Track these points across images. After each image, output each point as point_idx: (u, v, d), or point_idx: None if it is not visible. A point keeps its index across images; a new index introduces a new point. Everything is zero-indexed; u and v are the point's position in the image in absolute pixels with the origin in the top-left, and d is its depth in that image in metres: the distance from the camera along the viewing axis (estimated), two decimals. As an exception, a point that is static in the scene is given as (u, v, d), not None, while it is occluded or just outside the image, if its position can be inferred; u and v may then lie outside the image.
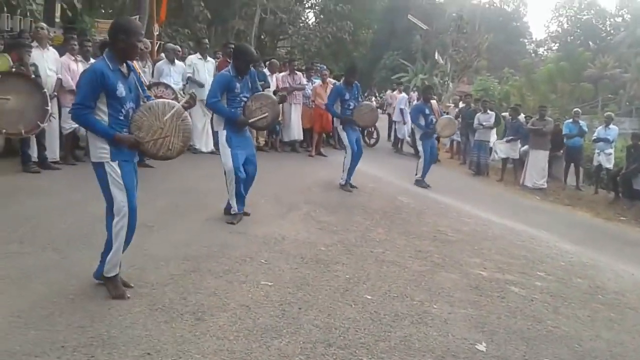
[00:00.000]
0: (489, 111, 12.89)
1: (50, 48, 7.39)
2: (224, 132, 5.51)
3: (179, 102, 6.78)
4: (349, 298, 4.15)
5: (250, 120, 5.53)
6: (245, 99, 5.56)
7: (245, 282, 4.18)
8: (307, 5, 28.85)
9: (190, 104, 3.86)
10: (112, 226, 3.61)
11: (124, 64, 3.58)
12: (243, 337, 3.34)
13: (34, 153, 6.93)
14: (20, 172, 6.76)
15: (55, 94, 7.07)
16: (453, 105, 16.40)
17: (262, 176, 8.07)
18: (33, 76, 5.99)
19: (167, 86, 7.60)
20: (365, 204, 7.36)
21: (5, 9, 8.67)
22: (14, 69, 6.01)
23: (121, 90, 3.48)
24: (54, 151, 7.29)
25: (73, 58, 7.54)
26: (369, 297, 4.23)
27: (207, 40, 10.24)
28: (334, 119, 8.52)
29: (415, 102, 13.98)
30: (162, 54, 9.83)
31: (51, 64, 7.17)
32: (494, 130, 13.23)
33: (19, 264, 4.00)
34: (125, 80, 3.55)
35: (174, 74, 8.78)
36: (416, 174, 9.51)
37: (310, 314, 3.79)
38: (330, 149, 12.24)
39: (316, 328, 3.59)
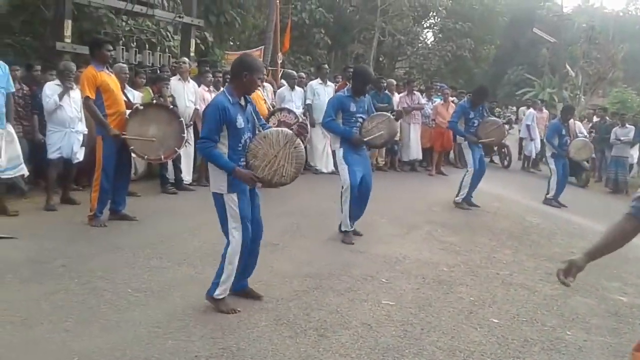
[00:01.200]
0: (627, 125, 11.91)
1: (191, 80, 8.05)
2: (341, 150, 5.63)
3: (300, 125, 7.11)
4: (473, 321, 4.01)
5: (365, 139, 5.60)
6: (361, 119, 5.65)
7: (366, 301, 4.19)
8: (425, 26, 28.70)
9: (300, 132, 3.99)
10: (226, 253, 3.77)
11: (242, 97, 3.77)
12: (365, 356, 3.34)
13: (171, 176, 7.54)
14: (159, 194, 7.37)
15: (191, 122, 7.68)
16: (586, 120, 15.34)
17: (382, 195, 8.11)
18: (171, 106, 6.52)
19: (289, 111, 7.92)
20: (490, 224, 7.09)
21: (147, 46, 9.56)
22: (154, 101, 6.61)
23: (240, 121, 3.67)
24: (189, 173, 7.89)
25: (207, 89, 8.13)
26: (496, 320, 4.06)
27: (326, 65, 10.54)
28: (457, 137, 8.35)
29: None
30: (282, 81, 10.29)
31: (191, 95, 7.83)
32: (637, 146, 12.19)
33: (159, 277, 4.34)
34: (244, 112, 3.75)
35: (295, 99, 9.14)
36: (547, 193, 9.01)
37: (432, 335, 3.71)
38: (451, 167, 11.97)
39: (439, 350, 3.50)
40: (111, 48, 5.71)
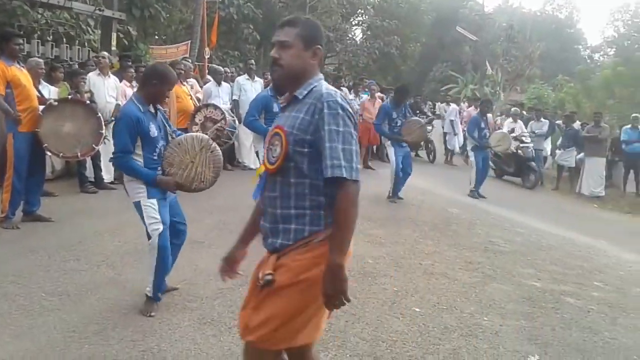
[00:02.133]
0: (542, 119, 12.58)
1: (111, 75, 7.76)
2: (261, 146, 5.64)
3: (227, 121, 7.00)
4: (396, 311, 4.11)
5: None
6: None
7: (292, 296, 4.20)
8: (354, 23, 29.02)
9: (217, 135, 3.98)
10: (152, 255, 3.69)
11: (151, 105, 3.69)
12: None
13: (90, 174, 7.25)
14: (78, 193, 7.08)
15: (112, 118, 7.39)
16: (503, 115, 16.05)
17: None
18: (88, 102, 6.27)
19: (215, 107, 7.76)
20: (414, 216, 7.29)
21: (64, 39, 9.14)
22: (70, 96, 6.33)
23: (154, 130, 3.60)
24: (109, 172, 7.61)
25: (129, 84, 7.87)
26: (418, 309, 4.18)
27: (253, 61, 10.47)
28: (383, 138, 8.58)
29: (464, 112, 13.86)
30: (208, 76, 10.15)
31: (111, 91, 7.54)
32: (549, 139, 12.88)
33: (76, 280, 4.17)
34: (155, 119, 3.68)
35: (222, 95, 9.02)
36: (470, 185, 9.38)
37: (357, 327, 3.78)
38: (379, 162, 12.20)
39: (363, 341, 3.57)
40: (21, 41, 5.40)
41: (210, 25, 15.35)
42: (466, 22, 32.23)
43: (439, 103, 19.92)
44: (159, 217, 3.61)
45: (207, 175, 3.71)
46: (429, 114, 15.16)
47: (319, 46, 2.18)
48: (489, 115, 10.69)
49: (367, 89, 12.13)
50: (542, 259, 5.88)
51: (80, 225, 5.62)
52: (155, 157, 3.65)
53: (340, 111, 2.05)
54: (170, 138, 3.80)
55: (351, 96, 11.55)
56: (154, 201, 3.62)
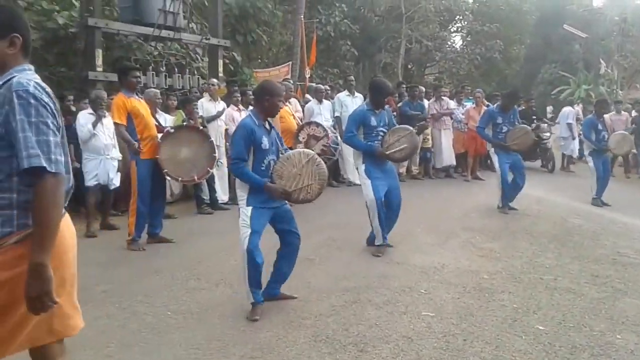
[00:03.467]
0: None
1: (221, 101, 8.15)
2: (363, 166, 5.57)
3: (329, 138, 7.09)
4: (518, 329, 3.89)
5: (387, 152, 5.53)
6: (382, 133, 5.60)
7: (405, 313, 4.12)
8: (452, 30, 28.45)
9: (325, 152, 4.21)
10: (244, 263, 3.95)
11: (266, 121, 4.03)
12: (407, 370, 3.27)
13: (206, 196, 7.62)
14: (195, 215, 7.46)
15: (224, 142, 7.76)
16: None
17: (417, 204, 8.04)
18: (201, 127, 6.60)
19: (317, 124, 7.94)
20: (530, 227, 6.91)
21: (176, 69, 9.73)
22: (184, 123, 6.70)
23: (265, 143, 3.94)
24: (224, 193, 7.96)
25: (236, 108, 8.22)
26: (541, 327, 3.92)
27: (352, 77, 10.54)
28: (487, 144, 8.17)
29: (579, 115, 13.04)
30: (307, 95, 10.35)
31: (222, 116, 7.92)
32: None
33: (197, 298, 4.37)
34: (269, 134, 4.00)
35: (324, 112, 9.15)
36: (592, 192, 8.74)
37: (476, 345, 3.61)
38: (489, 172, 11.73)
39: (483, 361, 3.41)
40: (138, 74, 5.83)
41: (309, 45, 15.70)
42: (574, 18, 30.39)
43: (550, 106, 18.91)
44: (249, 222, 3.88)
45: (314, 187, 4.02)
46: (545, 119, 14.38)
47: (17, 34, 2.09)
48: (606, 116, 9.93)
49: (470, 97, 11.77)
50: (681, 271, 5.32)
51: (199, 246, 5.89)
52: (264, 168, 3.97)
53: (32, 101, 1.96)
54: (280, 154, 4.09)
55: (453, 105, 11.24)
56: (250, 209, 3.92)
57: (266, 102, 3.98)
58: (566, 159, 13.52)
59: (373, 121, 5.54)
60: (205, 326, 3.86)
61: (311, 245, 5.88)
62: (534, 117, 13.29)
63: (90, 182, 6.38)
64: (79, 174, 6.63)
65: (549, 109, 22.00)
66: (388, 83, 5.84)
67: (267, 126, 4.04)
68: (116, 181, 6.52)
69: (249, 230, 3.87)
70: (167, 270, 5.02)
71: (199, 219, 7.25)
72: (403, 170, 10.54)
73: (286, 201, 4.13)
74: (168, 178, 5.94)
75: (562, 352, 3.55)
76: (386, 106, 5.84)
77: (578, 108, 14.98)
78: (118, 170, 6.57)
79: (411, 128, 5.82)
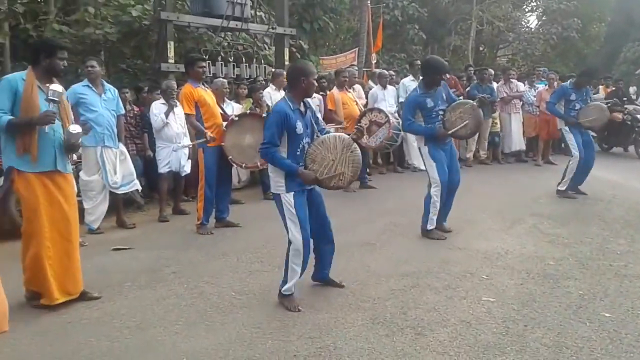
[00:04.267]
0: None
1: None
2: (426, 148, 5.52)
3: (391, 124, 7.07)
4: (582, 316, 3.79)
5: (450, 132, 5.45)
6: (442, 112, 5.51)
7: (465, 298, 4.10)
8: (527, 9, 27.29)
9: (358, 136, 4.10)
10: (288, 253, 3.95)
11: (302, 103, 3.95)
12: (464, 354, 3.28)
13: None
14: (261, 200, 7.66)
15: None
16: None
17: (483, 190, 7.91)
18: (264, 115, 6.76)
19: (380, 110, 7.90)
20: (603, 213, 6.63)
21: (243, 59, 9.97)
22: (248, 111, 6.89)
23: (300, 127, 3.84)
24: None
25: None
26: (607, 314, 3.80)
27: (418, 62, 10.37)
28: (559, 122, 7.85)
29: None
30: (369, 81, 10.31)
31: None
32: None
33: (260, 280, 4.53)
34: (303, 117, 3.92)
35: (388, 98, 9.11)
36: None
37: (537, 332, 3.55)
38: (562, 156, 11.29)
39: (544, 347, 3.35)
40: (204, 65, 6.04)
41: (376, 30, 15.59)
42: (660, -8, 28.40)
43: (633, 86, 17.81)
44: (294, 212, 3.87)
45: (347, 174, 3.91)
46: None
47: None
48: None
49: (543, 78, 11.33)
50: None
51: (264, 230, 6.06)
52: (299, 152, 3.90)
53: None
54: (315, 136, 4.03)
55: (525, 87, 10.87)
56: (291, 195, 3.88)
57: (303, 83, 3.87)
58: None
59: (429, 102, 5.47)
60: (267, 307, 4.00)
61: (373, 230, 5.95)
62: (625, 98, 12.64)
63: (162, 169, 6.69)
64: (152, 162, 7.01)
65: (632, 89, 20.76)
66: (441, 60, 5.67)
67: (303, 108, 3.95)
68: (187, 168, 6.81)
69: (298, 220, 3.87)
70: (232, 253, 5.22)
71: (265, 204, 7.42)
72: (470, 155, 10.36)
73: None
74: (234, 165, 6.12)
75: (627, 340, 3.44)
76: (442, 82, 5.66)
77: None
78: (189, 158, 6.85)
79: (471, 101, 5.72)
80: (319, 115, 8.08)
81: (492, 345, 3.37)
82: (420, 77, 8.92)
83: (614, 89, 12.88)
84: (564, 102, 7.33)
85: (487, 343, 3.40)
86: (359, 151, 3.96)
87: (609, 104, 9.96)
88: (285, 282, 3.99)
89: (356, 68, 11.50)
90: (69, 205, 4.04)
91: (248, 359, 3.24)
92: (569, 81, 8.31)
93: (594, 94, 12.38)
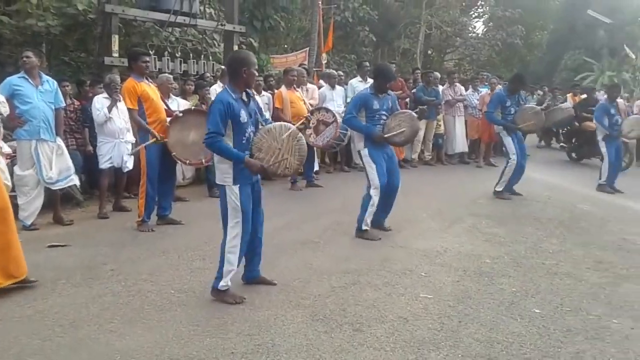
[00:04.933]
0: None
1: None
2: (366, 150, 5.61)
3: (338, 123, 7.13)
4: (514, 312, 3.93)
5: (386, 136, 5.55)
6: (384, 117, 5.63)
7: (404, 295, 4.19)
8: (473, 16, 28.07)
9: (305, 125, 4.14)
10: (224, 246, 3.94)
11: (244, 92, 3.94)
12: (400, 349, 3.34)
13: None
14: (206, 198, 7.58)
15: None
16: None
17: (425, 190, 8.08)
18: (210, 111, 6.70)
19: (327, 110, 7.99)
20: (539, 213, 6.90)
21: (191, 55, 9.83)
22: (193, 107, 6.79)
23: (244, 116, 3.84)
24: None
25: (255, 93, 8.27)
26: (538, 311, 3.96)
27: (367, 63, 10.51)
28: (497, 127, 8.16)
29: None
30: (321, 81, 10.40)
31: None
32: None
33: (201, 278, 4.47)
34: (247, 107, 3.92)
35: (336, 98, 9.19)
36: (599, 179, 8.67)
37: (470, 327, 3.67)
38: (502, 158, 11.65)
39: (476, 342, 3.46)
40: (147, 59, 5.92)
41: (327, 31, 15.68)
42: (599, 4, 29.72)
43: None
44: (239, 204, 3.87)
45: (292, 162, 3.95)
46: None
47: None
48: (620, 100, 9.81)
49: (486, 83, 11.68)
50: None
51: (207, 227, 5.98)
52: (244, 141, 3.89)
53: None
54: (260, 126, 4.05)
55: (468, 91, 11.18)
56: (237, 188, 3.87)
57: (244, 73, 3.85)
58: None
59: (375, 105, 5.58)
60: (207, 304, 3.96)
61: (317, 228, 5.99)
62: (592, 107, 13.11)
63: (104, 164, 6.52)
64: (93, 157, 6.82)
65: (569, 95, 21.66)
66: (391, 68, 5.88)
67: (245, 98, 3.94)
68: (129, 164, 6.65)
69: (241, 212, 3.87)
70: (174, 251, 5.14)
71: (210, 202, 7.35)
72: (415, 155, 10.56)
73: (260, 176, 4.09)
74: (177, 161, 6.03)
75: (555, 335, 3.58)
76: (390, 92, 5.85)
77: (601, 95, 14.71)
78: (131, 154, 6.70)
79: (411, 112, 5.86)
80: (267, 112, 8.18)
81: (427, 341, 3.46)
82: (369, 80, 9.10)
83: (584, 96, 13.18)
84: (500, 109, 7.59)
85: (423, 338, 3.48)
86: (304, 140, 4.01)
87: (577, 112, 10.42)
88: (220, 277, 3.97)
89: (306, 67, 11.51)
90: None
91: (184, 356, 3.20)
92: (502, 88, 8.64)
93: (561, 102, 12.95)
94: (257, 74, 4.07)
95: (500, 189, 7.67)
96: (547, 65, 33.43)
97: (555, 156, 13.01)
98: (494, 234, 5.88)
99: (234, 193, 3.87)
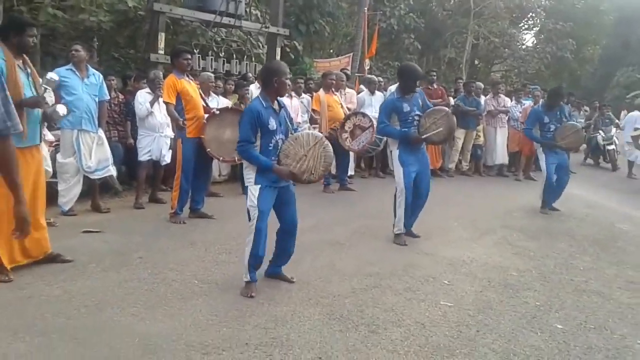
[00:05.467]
0: None
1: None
2: (397, 152, 5.60)
3: (374, 128, 7.15)
4: (535, 326, 3.87)
5: (423, 136, 5.53)
6: (417, 117, 5.59)
7: (424, 301, 4.17)
8: (523, 28, 27.53)
9: (332, 135, 4.25)
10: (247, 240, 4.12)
11: (276, 102, 4.11)
12: (413, 353, 3.34)
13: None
14: (240, 195, 7.66)
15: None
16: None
17: (460, 200, 8.00)
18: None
19: (364, 115, 8.00)
20: (574, 230, 6.73)
21: (234, 55, 10.03)
22: (230, 106, 6.93)
23: (272, 124, 4.02)
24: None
25: (295, 95, 8.37)
26: (560, 326, 3.89)
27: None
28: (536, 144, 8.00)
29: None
30: (361, 86, 10.42)
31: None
32: None
33: (225, 271, 4.57)
34: (277, 115, 4.09)
35: (374, 104, 9.19)
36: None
37: (488, 337, 3.63)
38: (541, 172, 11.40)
39: (492, 352, 3.43)
40: (189, 57, 6.07)
41: (371, 37, 15.70)
42: (657, 19, 28.78)
43: (624, 111, 18.06)
44: (256, 202, 4.03)
45: (318, 169, 4.07)
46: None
47: None
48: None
49: (530, 95, 11.47)
50: None
51: (237, 224, 6.05)
52: (271, 148, 4.05)
53: None
54: (290, 133, 4.19)
55: (509, 103, 11.00)
56: (257, 188, 4.04)
57: (275, 82, 4.04)
58: (630, 165, 12.88)
59: (405, 107, 5.55)
60: (228, 296, 4.05)
61: (345, 231, 6.01)
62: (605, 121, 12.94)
63: (143, 157, 6.73)
64: (133, 149, 7.05)
65: (623, 113, 21.01)
66: (415, 66, 5.76)
67: (276, 107, 4.11)
68: (167, 158, 6.84)
69: (257, 210, 4.02)
70: (202, 244, 5.26)
71: (243, 199, 7.25)
72: (452, 165, 10.46)
73: (292, 181, 4.20)
74: (212, 157, 6.16)
75: (575, 352, 3.52)
76: (418, 89, 5.77)
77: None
78: (170, 148, 6.88)
79: (447, 109, 5.81)
80: (306, 114, 8.27)
81: (442, 347, 3.44)
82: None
83: (598, 113, 13.15)
84: (539, 125, 7.44)
85: (438, 345, 3.47)
86: (330, 147, 4.12)
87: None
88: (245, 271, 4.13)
89: (347, 72, 11.57)
90: (39, 173, 4.33)
91: (200, 343, 3.29)
92: (539, 104, 8.44)
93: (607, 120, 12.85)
94: (289, 84, 4.25)
95: (542, 206, 7.58)
96: (598, 80, 32.62)
97: (600, 174, 12.64)
98: (525, 248, 5.77)
99: (253, 193, 4.05)
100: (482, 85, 11.26)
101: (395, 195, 5.67)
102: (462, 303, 4.19)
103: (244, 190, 7.54)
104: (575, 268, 5.24)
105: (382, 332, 3.59)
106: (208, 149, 5.95)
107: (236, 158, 6.08)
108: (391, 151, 5.79)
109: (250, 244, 4.07)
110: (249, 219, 4.09)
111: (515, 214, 7.44)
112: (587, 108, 15.01)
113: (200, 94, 6.30)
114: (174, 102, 5.85)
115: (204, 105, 6.21)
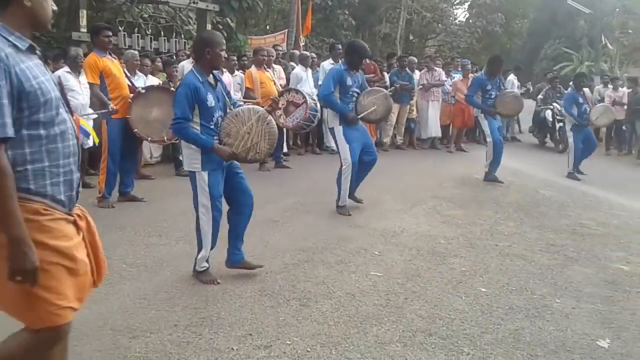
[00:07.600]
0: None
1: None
2: (340, 128, 5.63)
3: (308, 105, 7.13)
4: (460, 290, 4.01)
5: (360, 115, 5.59)
6: (356, 94, 5.65)
7: (355, 272, 4.24)
8: (455, 2, 28.08)
9: (273, 107, 4.08)
10: (199, 228, 3.91)
11: (211, 75, 3.82)
12: (342, 323, 3.41)
13: (184, 159, 7.71)
14: (173, 176, 7.56)
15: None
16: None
17: (393, 173, 8.13)
18: (173, 89, 6.64)
19: (297, 91, 7.95)
20: (499, 197, 7.00)
21: (162, 33, 9.75)
22: (156, 85, 6.74)
23: (211, 100, 3.71)
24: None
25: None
26: (484, 289, 4.05)
27: (339, 45, 10.47)
28: (475, 111, 8.26)
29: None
30: (292, 63, 10.38)
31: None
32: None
33: (155, 253, 4.49)
34: (214, 90, 3.78)
35: (310, 80, 9.16)
36: (569, 167, 8.84)
37: (415, 304, 3.74)
38: (473, 144, 11.79)
39: (419, 318, 3.53)
40: (109, 34, 5.83)
41: (305, 13, 15.59)
42: (580, -7, 29.93)
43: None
44: (208, 190, 3.80)
45: (263, 146, 3.81)
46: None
47: None
48: (586, 89, 9.97)
49: (459, 69, 11.73)
50: (637, 242, 5.42)
51: (169, 205, 5.99)
52: (212, 126, 3.78)
53: None
54: (228, 109, 3.91)
55: (444, 77, 11.21)
56: (206, 174, 3.79)
57: (208, 54, 3.71)
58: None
59: (349, 81, 5.61)
60: (157, 279, 3.99)
61: (279, 208, 6.01)
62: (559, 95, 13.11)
63: (66, 140, 6.45)
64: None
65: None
66: (365, 45, 5.83)
67: (212, 80, 3.80)
68: (90, 140, 6.59)
69: (210, 199, 3.82)
70: (131, 227, 5.13)
71: (176, 180, 7.34)
72: (387, 139, 10.61)
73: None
74: (140, 138, 6.00)
75: (497, 313, 3.67)
76: (360, 69, 5.88)
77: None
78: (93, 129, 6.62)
79: (385, 90, 5.91)
80: (239, 92, 8.14)
81: (371, 316, 3.52)
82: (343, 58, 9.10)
83: (549, 86, 13.08)
84: (480, 92, 7.65)
85: (367, 314, 3.55)
86: (274, 123, 3.87)
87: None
88: (197, 260, 3.99)
89: (280, 49, 11.46)
90: None
91: (127, 328, 3.23)
92: (482, 71, 8.67)
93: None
94: (224, 55, 3.87)
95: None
96: (527, 54, 33.70)
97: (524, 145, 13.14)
98: (453, 216, 5.96)
99: (202, 179, 3.80)
100: (416, 60, 11.43)
101: (340, 171, 5.75)
102: (392, 272, 4.29)
103: (177, 171, 7.54)
104: (499, 233, 5.47)
105: (313, 305, 3.63)
106: (135, 130, 5.79)
107: (165, 138, 5.96)
108: (332, 128, 5.78)
109: (208, 234, 3.89)
110: (196, 208, 3.88)
111: (445, 184, 7.65)
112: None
113: (125, 73, 6.10)
114: (99, 82, 5.63)
115: (129, 84, 6.01)
